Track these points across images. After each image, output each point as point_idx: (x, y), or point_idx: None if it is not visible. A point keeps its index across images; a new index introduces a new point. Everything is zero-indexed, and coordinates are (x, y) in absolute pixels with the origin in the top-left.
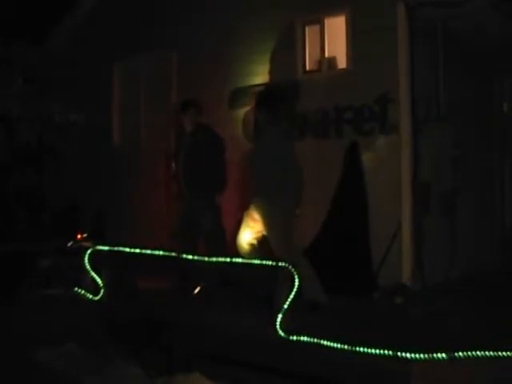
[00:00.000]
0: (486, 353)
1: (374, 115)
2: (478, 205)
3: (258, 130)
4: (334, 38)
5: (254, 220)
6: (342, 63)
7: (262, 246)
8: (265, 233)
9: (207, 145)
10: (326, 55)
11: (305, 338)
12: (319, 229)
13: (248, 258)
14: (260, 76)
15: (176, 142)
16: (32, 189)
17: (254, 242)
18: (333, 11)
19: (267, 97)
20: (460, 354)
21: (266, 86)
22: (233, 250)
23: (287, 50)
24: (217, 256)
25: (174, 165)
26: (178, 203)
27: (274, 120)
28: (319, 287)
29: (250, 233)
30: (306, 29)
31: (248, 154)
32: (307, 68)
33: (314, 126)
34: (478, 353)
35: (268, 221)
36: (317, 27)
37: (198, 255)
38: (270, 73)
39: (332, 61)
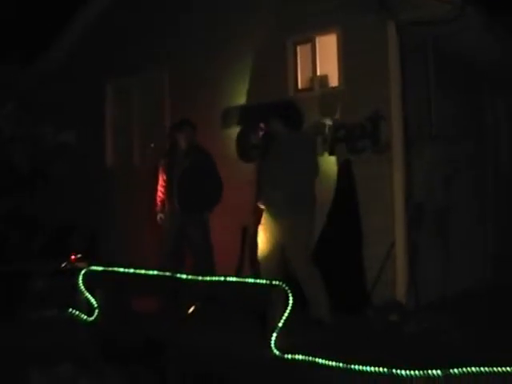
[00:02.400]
0: (481, 369)
1: (366, 133)
2: (472, 221)
3: (270, 143)
4: (325, 57)
5: (271, 233)
6: (333, 81)
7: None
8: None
9: (201, 164)
10: (318, 73)
11: (300, 357)
12: (313, 248)
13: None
14: (252, 95)
15: (168, 159)
16: (25, 210)
17: (274, 255)
18: (324, 30)
19: (287, 108)
20: (455, 370)
21: (284, 100)
22: (223, 266)
23: (279, 68)
24: (207, 272)
25: (164, 180)
26: (165, 220)
27: (294, 131)
28: (326, 305)
29: (268, 246)
30: (298, 48)
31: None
32: (299, 86)
33: None
34: (473, 369)
35: (289, 232)
36: (308, 46)
37: (192, 274)
38: (262, 92)
39: (324, 79)
